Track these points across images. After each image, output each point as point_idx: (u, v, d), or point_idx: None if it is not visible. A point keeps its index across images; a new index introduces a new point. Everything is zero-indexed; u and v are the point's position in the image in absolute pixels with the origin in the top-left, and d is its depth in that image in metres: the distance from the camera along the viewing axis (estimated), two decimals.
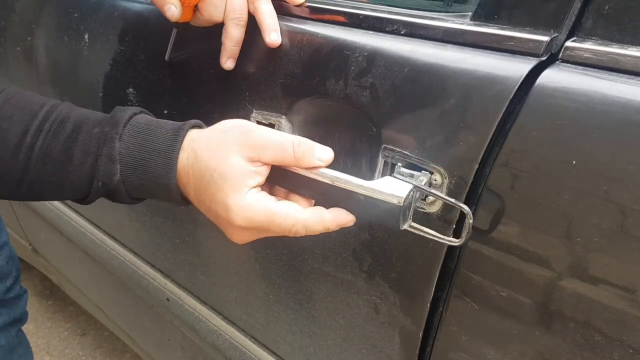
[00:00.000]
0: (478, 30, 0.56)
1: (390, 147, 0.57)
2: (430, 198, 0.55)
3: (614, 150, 0.44)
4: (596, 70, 0.48)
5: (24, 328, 1.06)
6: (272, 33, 0.67)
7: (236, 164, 0.51)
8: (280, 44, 0.67)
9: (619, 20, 0.49)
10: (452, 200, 0.50)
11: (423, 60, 0.56)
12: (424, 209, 0.55)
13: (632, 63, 0.46)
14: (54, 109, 0.58)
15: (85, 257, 1.22)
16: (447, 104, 0.53)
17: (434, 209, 0.54)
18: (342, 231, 0.54)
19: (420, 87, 0.55)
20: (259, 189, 0.53)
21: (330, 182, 0.52)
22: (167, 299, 0.98)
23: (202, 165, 0.53)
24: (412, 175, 0.54)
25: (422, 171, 0.54)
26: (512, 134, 0.49)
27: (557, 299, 0.48)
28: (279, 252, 0.72)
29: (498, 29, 0.55)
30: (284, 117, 0.68)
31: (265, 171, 0.53)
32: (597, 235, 0.45)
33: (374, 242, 0.60)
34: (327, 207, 0.53)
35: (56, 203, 1.26)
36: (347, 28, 0.64)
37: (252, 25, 0.68)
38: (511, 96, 0.49)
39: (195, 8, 0.70)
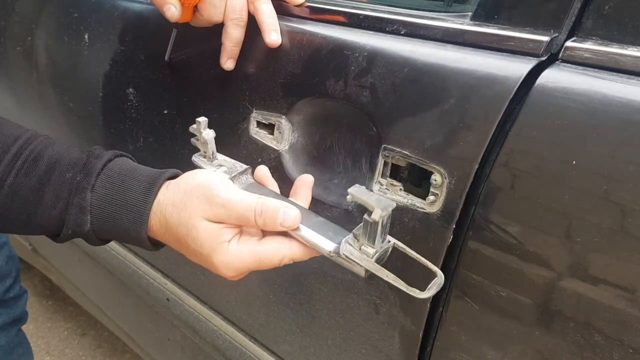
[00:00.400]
0: (478, 30, 0.56)
1: (390, 147, 0.57)
2: (431, 197, 0.55)
3: (614, 150, 0.44)
4: (596, 70, 0.48)
5: (24, 328, 1.06)
6: (272, 33, 0.67)
7: (206, 228, 0.51)
8: (280, 44, 0.67)
9: (619, 20, 0.49)
10: (423, 260, 0.51)
11: (423, 60, 0.56)
12: (424, 209, 0.55)
13: (632, 63, 0.46)
14: (28, 144, 0.55)
15: (85, 257, 1.22)
16: (447, 104, 0.53)
17: (434, 209, 0.54)
18: None
19: (420, 87, 0.55)
20: (237, 237, 0.52)
21: (299, 239, 0.52)
22: (167, 299, 0.98)
23: (173, 230, 0.52)
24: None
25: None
26: (512, 134, 0.49)
27: (557, 299, 0.48)
28: None
29: (498, 29, 0.54)
30: (284, 117, 0.68)
31: None
32: (597, 235, 0.45)
33: None
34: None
35: None
36: (347, 28, 0.64)
37: (252, 26, 0.68)
38: (511, 96, 0.49)
39: (195, 8, 0.70)
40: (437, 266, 0.55)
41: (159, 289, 0.99)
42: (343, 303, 0.66)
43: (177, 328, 1.01)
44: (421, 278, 0.57)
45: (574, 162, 0.45)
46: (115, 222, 0.53)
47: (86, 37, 0.97)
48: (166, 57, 0.80)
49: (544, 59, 0.51)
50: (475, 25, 0.57)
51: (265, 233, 0.54)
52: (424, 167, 0.55)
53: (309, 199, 0.59)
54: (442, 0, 0.69)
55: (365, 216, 0.48)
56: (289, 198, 0.59)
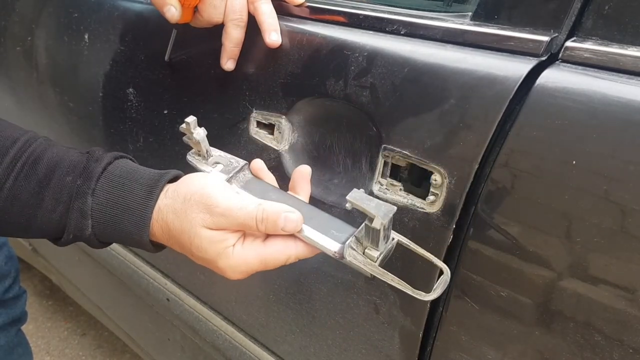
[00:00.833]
0: (478, 30, 0.56)
1: (390, 147, 0.57)
2: (431, 197, 0.55)
3: (614, 150, 0.44)
4: (596, 70, 0.48)
5: (24, 328, 1.06)
6: (272, 33, 0.67)
7: (208, 236, 0.51)
8: (281, 44, 0.67)
9: (619, 20, 0.49)
10: (429, 255, 0.51)
11: (423, 60, 0.56)
12: (424, 209, 0.55)
13: (632, 63, 0.46)
14: (27, 147, 0.54)
15: (85, 257, 1.22)
16: (447, 104, 0.53)
17: (434, 209, 0.54)
18: None
19: (420, 87, 0.55)
20: (241, 240, 0.52)
21: (303, 240, 0.52)
22: (167, 299, 0.98)
23: (176, 237, 0.52)
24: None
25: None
26: (512, 134, 0.49)
27: (557, 299, 0.48)
28: None
29: (498, 29, 0.54)
30: (284, 117, 0.68)
31: None
32: (597, 235, 0.45)
33: None
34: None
35: None
36: (347, 28, 0.64)
37: (252, 26, 0.68)
38: (511, 96, 0.49)
39: (195, 9, 0.70)
40: (437, 267, 0.55)
41: (159, 289, 0.99)
42: (343, 303, 0.66)
43: (177, 328, 1.01)
44: (422, 277, 0.57)
45: (574, 162, 0.45)
46: (117, 225, 0.53)
47: (86, 37, 0.97)
48: (166, 57, 0.80)
49: (544, 59, 0.51)
50: (475, 25, 0.57)
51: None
52: (424, 167, 0.55)
53: (309, 191, 0.59)
54: (442, 0, 0.69)
55: (367, 222, 0.48)
56: (289, 192, 0.59)
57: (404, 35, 0.60)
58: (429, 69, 0.55)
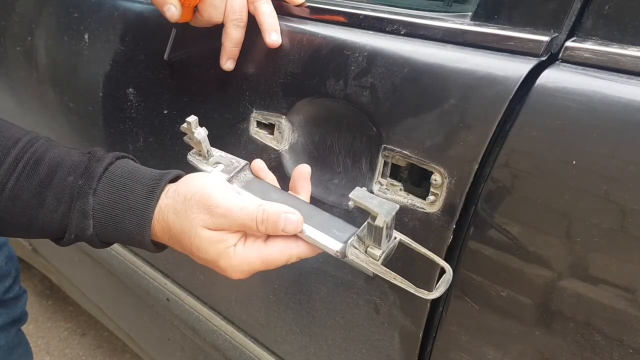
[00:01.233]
0: (478, 30, 0.56)
1: (390, 147, 0.57)
2: (431, 197, 0.55)
3: (614, 150, 0.44)
4: (596, 70, 0.48)
5: (24, 328, 1.06)
6: (273, 33, 0.67)
7: (209, 237, 0.51)
8: (281, 44, 0.67)
9: (619, 20, 0.49)
10: (431, 254, 0.51)
11: (423, 60, 0.56)
12: (424, 208, 0.55)
13: (632, 63, 0.46)
14: (28, 147, 0.54)
15: (85, 257, 1.22)
16: (447, 104, 0.53)
17: (434, 209, 0.54)
18: None
19: (420, 87, 0.55)
20: (243, 239, 0.52)
21: (304, 239, 0.52)
22: (167, 299, 0.98)
23: (177, 237, 0.52)
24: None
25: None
26: (512, 134, 0.49)
27: (557, 299, 0.48)
28: None
29: (498, 29, 0.54)
30: (284, 117, 0.68)
31: None
32: (597, 235, 0.45)
33: None
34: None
35: None
36: (347, 28, 0.64)
37: (253, 26, 0.68)
38: (511, 96, 0.49)
39: (195, 9, 0.70)
40: (437, 266, 0.55)
41: (159, 289, 0.99)
42: (343, 303, 0.66)
43: (177, 328, 1.01)
44: (422, 276, 0.57)
45: (574, 162, 0.45)
46: (118, 225, 0.53)
47: (86, 37, 0.97)
48: (165, 57, 0.80)
49: (544, 59, 0.51)
50: (475, 25, 0.57)
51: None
52: (424, 167, 0.55)
53: (309, 190, 0.59)
54: (442, 0, 0.69)
55: (369, 221, 0.48)
56: (289, 192, 0.59)
57: (404, 35, 0.60)
58: (429, 69, 0.55)
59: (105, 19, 0.93)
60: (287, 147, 0.69)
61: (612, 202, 0.44)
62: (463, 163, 0.52)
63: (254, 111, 0.70)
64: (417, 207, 0.56)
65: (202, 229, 0.51)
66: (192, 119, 0.58)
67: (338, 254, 0.51)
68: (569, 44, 0.50)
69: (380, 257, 0.50)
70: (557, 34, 0.51)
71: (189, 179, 0.54)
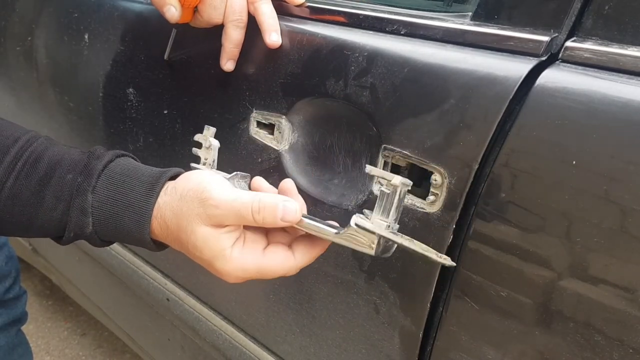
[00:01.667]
0: (478, 30, 0.56)
1: (390, 147, 0.57)
2: (431, 197, 0.55)
3: (614, 150, 0.44)
4: (596, 70, 0.48)
5: (24, 328, 1.06)
6: (273, 34, 0.67)
7: (204, 234, 0.50)
8: (281, 45, 0.67)
9: (619, 20, 0.49)
10: (434, 254, 0.47)
11: (423, 60, 0.56)
12: (424, 208, 0.55)
13: (632, 63, 0.46)
14: (28, 146, 0.54)
15: (85, 257, 1.22)
16: (447, 104, 0.53)
17: (434, 209, 0.54)
18: None
19: (420, 87, 0.55)
20: (241, 241, 0.52)
21: (304, 230, 0.51)
22: (167, 299, 0.98)
23: (175, 235, 0.52)
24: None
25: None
26: (512, 134, 0.49)
27: (557, 299, 0.48)
28: None
29: (498, 29, 0.55)
30: (284, 117, 0.68)
31: (236, 226, 0.52)
32: (597, 235, 0.45)
33: None
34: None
35: None
36: (347, 28, 0.64)
37: (253, 26, 0.68)
38: (511, 96, 0.49)
39: (195, 9, 0.70)
40: (437, 267, 0.55)
41: (159, 289, 0.99)
42: (343, 303, 0.66)
43: (177, 328, 1.01)
44: (423, 276, 0.57)
45: (574, 162, 0.45)
46: (118, 223, 0.53)
47: (86, 37, 0.97)
48: (165, 57, 0.80)
49: (544, 59, 0.51)
50: (475, 25, 0.57)
51: (269, 238, 0.54)
52: (424, 167, 0.55)
53: (303, 203, 0.57)
54: (442, 0, 0.69)
55: (382, 188, 0.45)
56: None
57: (404, 35, 0.60)
58: (429, 69, 0.55)
59: (105, 19, 0.93)
60: (287, 147, 0.69)
61: (612, 202, 0.44)
62: (463, 163, 0.52)
63: (254, 111, 0.70)
64: (417, 207, 0.56)
65: (197, 225, 0.50)
66: (212, 128, 0.59)
67: (340, 231, 0.49)
68: (569, 44, 0.50)
69: (388, 226, 0.46)
70: (557, 34, 0.51)
71: (186, 176, 0.54)
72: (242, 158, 0.72)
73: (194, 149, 0.62)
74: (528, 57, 0.51)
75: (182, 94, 0.81)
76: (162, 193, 0.53)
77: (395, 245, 0.50)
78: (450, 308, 0.55)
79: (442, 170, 0.53)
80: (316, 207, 0.65)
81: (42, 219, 0.53)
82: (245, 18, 0.68)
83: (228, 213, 0.49)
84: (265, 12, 0.67)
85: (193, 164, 0.62)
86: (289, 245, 0.53)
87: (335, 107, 0.63)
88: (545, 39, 0.51)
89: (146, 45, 0.87)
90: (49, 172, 0.53)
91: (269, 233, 0.55)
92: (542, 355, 0.50)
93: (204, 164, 0.62)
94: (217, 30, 0.70)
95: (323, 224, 0.51)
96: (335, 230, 0.50)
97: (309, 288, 0.70)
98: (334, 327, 0.69)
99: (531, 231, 0.48)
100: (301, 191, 0.58)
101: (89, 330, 1.73)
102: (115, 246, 1.08)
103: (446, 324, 0.56)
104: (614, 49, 0.48)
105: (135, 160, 0.58)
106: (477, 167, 0.51)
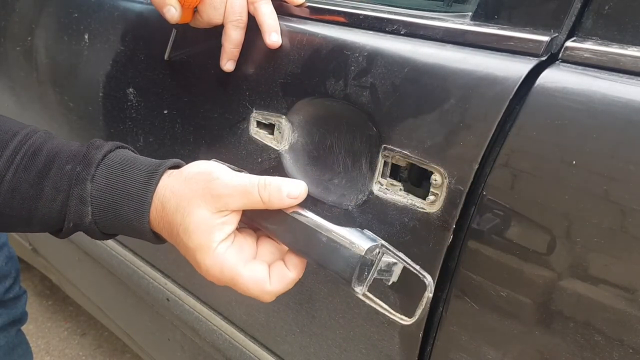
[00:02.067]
0: (478, 30, 0.56)
1: (390, 147, 0.57)
2: (431, 197, 0.55)
3: (614, 150, 0.44)
4: (596, 70, 0.48)
5: (24, 328, 1.06)
6: (273, 34, 0.67)
7: (199, 218, 0.50)
8: (281, 45, 0.67)
9: (619, 20, 0.49)
10: (415, 267, 0.51)
11: (423, 60, 0.56)
12: (424, 208, 0.55)
13: (632, 63, 0.46)
14: (26, 139, 0.54)
15: (85, 257, 1.22)
16: (447, 104, 0.53)
17: (434, 209, 0.54)
18: None
19: (420, 87, 0.55)
20: (230, 241, 0.52)
21: (306, 223, 0.51)
22: (167, 299, 0.98)
23: (169, 217, 0.52)
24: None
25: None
26: (512, 134, 0.49)
27: (557, 299, 0.48)
28: None
29: (498, 29, 0.55)
30: (284, 117, 0.68)
31: (234, 218, 0.52)
32: (597, 235, 0.45)
33: None
34: (293, 243, 0.53)
35: None
36: (347, 28, 0.64)
37: (253, 26, 0.68)
38: (511, 96, 0.49)
39: (195, 10, 0.70)
40: (437, 266, 0.55)
41: (159, 289, 0.99)
42: (343, 303, 0.66)
43: (177, 328, 1.01)
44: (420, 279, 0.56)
45: (574, 162, 0.45)
46: (117, 212, 0.53)
47: (86, 37, 0.97)
48: (165, 57, 0.80)
49: (543, 59, 0.51)
50: (475, 25, 0.57)
51: (259, 249, 0.54)
52: (424, 167, 0.55)
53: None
54: (442, 0, 0.69)
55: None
56: None
57: (404, 35, 0.60)
58: (429, 69, 0.55)
59: (105, 19, 0.93)
60: (287, 147, 0.69)
61: (612, 202, 0.44)
62: (463, 163, 0.52)
63: (254, 111, 0.70)
64: (417, 207, 0.56)
65: (197, 207, 0.50)
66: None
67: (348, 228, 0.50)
68: (569, 44, 0.50)
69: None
70: (557, 34, 0.51)
71: (195, 163, 0.54)
72: (242, 158, 0.72)
73: None
74: (528, 57, 0.51)
75: (182, 94, 0.81)
76: (164, 177, 0.53)
77: (364, 287, 0.52)
78: (450, 308, 0.55)
79: (442, 170, 0.53)
80: (316, 207, 0.65)
81: (42, 211, 0.53)
82: (245, 18, 0.68)
83: (234, 193, 0.50)
84: (265, 12, 0.67)
85: None
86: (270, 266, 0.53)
87: (335, 107, 0.63)
88: (545, 39, 0.51)
89: (146, 46, 0.87)
90: (48, 163, 0.53)
91: (259, 245, 0.55)
92: (542, 355, 0.50)
93: None
94: (217, 31, 0.70)
95: (327, 222, 0.51)
96: (335, 231, 0.50)
97: (309, 288, 0.70)
98: (334, 327, 0.69)
99: (531, 231, 0.48)
100: None
101: (89, 330, 1.73)
102: (115, 246, 1.08)
103: (446, 324, 0.56)
104: (614, 49, 0.48)
105: (135, 152, 0.58)
106: (477, 167, 0.51)
